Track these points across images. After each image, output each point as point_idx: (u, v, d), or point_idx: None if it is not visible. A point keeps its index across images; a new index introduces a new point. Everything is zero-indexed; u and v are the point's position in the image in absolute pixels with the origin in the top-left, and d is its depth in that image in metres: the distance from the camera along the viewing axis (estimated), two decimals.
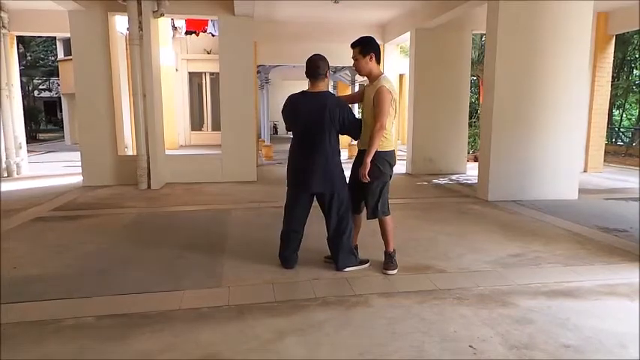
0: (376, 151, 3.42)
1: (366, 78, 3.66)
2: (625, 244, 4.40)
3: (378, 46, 3.52)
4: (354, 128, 3.62)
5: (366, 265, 3.73)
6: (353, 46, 3.50)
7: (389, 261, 3.64)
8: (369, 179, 3.43)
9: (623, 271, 3.66)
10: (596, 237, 4.67)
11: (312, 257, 3.86)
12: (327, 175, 3.54)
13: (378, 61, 3.50)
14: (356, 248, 3.84)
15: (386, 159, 3.51)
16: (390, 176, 3.62)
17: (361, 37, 3.55)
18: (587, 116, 9.10)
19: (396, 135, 3.64)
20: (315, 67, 3.49)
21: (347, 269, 3.63)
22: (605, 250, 4.24)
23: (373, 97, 3.41)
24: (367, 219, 3.69)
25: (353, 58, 3.52)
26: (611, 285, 3.37)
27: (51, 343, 2.54)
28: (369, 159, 3.39)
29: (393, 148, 3.59)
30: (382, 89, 3.35)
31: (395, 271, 3.59)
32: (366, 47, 3.45)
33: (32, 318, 2.84)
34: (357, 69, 3.52)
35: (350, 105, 3.76)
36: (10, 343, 2.54)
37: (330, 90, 17.96)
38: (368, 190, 3.55)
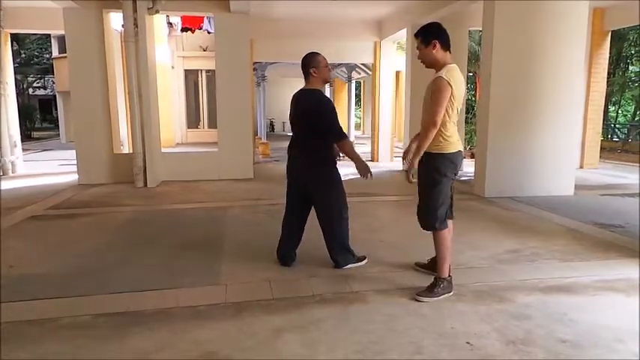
0: (432, 153, 3.02)
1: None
2: (621, 240, 4.42)
3: (444, 31, 3.07)
4: (326, 131, 3.44)
5: (364, 262, 3.73)
6: (415, 36, 3.12)
7: (430, 287, 3.09)
8: (414, 181, 3.07)
9: (619, 267, 3.67)
10: (593, 233, 4.69)
11: (309, 254, 3.85)
12: (308, 173, 3.55)
13: (447, 49, 3.05)
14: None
15: (441, 162, 3.04)
16: (452, 181, 3.15)
17: (423, 25, 3.14)
18: (582, 112, 9.12)
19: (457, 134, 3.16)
20: (301, 65, 3.54)
21: (346, 267, 3.63)
22: (602, 245, 4.25)
23: (429, 89, 3.02)
24: (421, 228, 3.26)
25: (417, 48, 3.14)
26: (607, 280, 3.38)
27: (48, 342, 2.53)
28: (415, 159, 3.01)
29: (451, 150, 3.05)
30: (438, 79, 2.94)
31: (429, 299, 3.01)
32: (428, 35, 3.05)
33: (29, 317, 2.83)
34: (422, 60, 3.14)
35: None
36: (7, 343, 2.52)
37: (327, 87, 17.95)
38: (420, 196, 3.17)
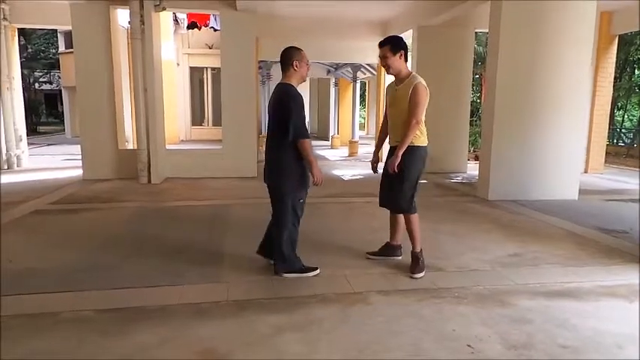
0: (410, 146, 3.47)
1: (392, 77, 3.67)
2: (624, 246, 4.40)
3: (406, 45, 3.58)
4: (290, 125, 3.25)
5: (314, 272, 3.50)
6: (382, 44, 3.54)
7: (415, 263, 3.55)
8: (396, 171, 3.46)
9: (621, 273, 3.66)
10: (596, 238, 4.67)
11: (310, 255, 3.85)
12: (272, 169, 3.44)
13: (406, 60, 3.56)
14: (399, 248, 3.84)
15: (420, 154, 3.55)
16: (422, 172, 3.64)
17: (390, 36, 3.64)
18: (588, 116, 9.09)
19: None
20: (281, 58, 3.40)
21: (284, 275, 3.43)
22: (604, 251, 4.24)
23: (410, 94, 3.43)
24: (391, 212, 3.77)
25: (381, 56, 3.54)
26: (609, 286, 3.37)
27: (49, 336, 2.54)
28: (400, 152, 3.44)
29: (425, 144, 3.60)
30: (420, 86, 3.43)
31: (422, 274, 3.49)
32: (396, 45, 3.50)
33: (30, 311, 2.84)
34: (387, 67, 3.55)
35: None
36: (8, 336, 2.54)
37: (332, 87, 17.95)
38: (398, 185, 3.55)
